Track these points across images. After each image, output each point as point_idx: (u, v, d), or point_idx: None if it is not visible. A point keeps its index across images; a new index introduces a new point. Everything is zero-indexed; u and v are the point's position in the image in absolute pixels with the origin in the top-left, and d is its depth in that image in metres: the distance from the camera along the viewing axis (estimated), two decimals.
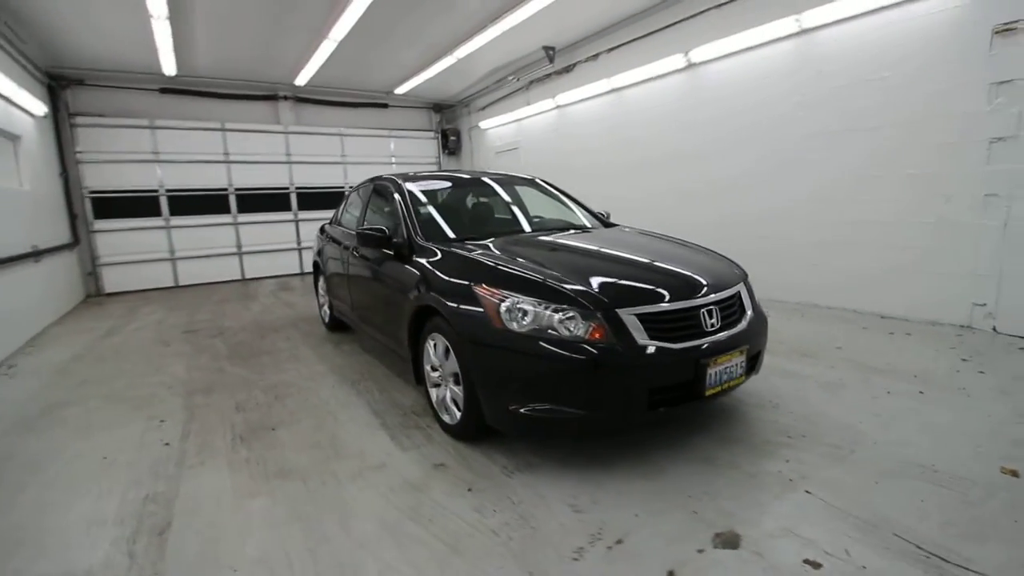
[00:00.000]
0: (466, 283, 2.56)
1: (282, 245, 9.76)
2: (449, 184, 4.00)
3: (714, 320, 2.42)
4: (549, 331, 2.26)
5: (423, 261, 3.01)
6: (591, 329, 2.23)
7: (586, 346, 2.20)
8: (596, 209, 4.16)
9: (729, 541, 1.87)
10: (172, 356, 4.66)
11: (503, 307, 2.34)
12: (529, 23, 6.31)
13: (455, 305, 2.53)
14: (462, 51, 7.22)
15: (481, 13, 6.26)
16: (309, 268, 9.82)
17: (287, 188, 9.70)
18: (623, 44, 6.73)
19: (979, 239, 3.99)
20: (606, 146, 7.40)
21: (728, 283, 2.64)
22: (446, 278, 2.72)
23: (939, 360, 3.55)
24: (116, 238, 8.30)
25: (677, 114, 6.27)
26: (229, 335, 5.35)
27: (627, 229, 3.73)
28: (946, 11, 3.97)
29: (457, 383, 2.64)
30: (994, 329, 3.99)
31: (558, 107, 8.19)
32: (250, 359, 4.46)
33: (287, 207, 9.75)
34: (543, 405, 2.26)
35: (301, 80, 8.54)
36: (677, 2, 5.89)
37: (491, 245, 3.06)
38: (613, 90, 7.08)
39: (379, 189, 4.19)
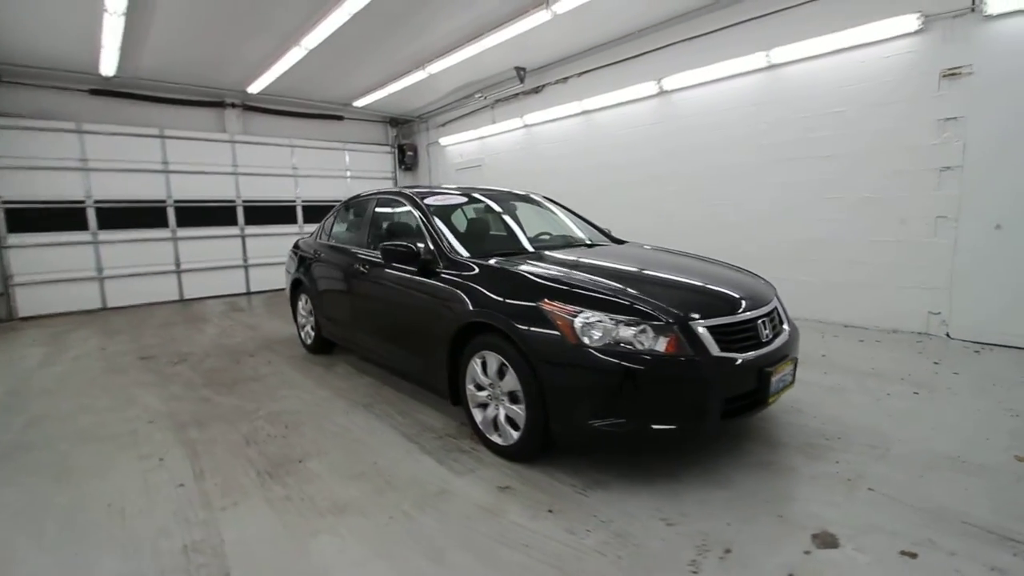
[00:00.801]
0: (529, 299, 2.53)
1: (227, 262, 9.06)
2: (464, 199, 3.93)
3: (767, 331, 2.55)
4: (622, 345, 2.28)
5: (459, 277, 2.93)
6: (666, 342, 2.27)
7: (668, 359, 2.24)
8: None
9: (828, 541, 1.96)
10: (136, 387, 4.16)
11: (577, 323, 2.32)
12: (501, 46, 6.41)
13: (520, 322, 2.48)
14: (435, 67, 7.17)
15: (457, 34, 6.30)
16: (258, 287, 9.28)
17: (233, 201, 9.05)
18: (594, 69, 7.01)
19: (932, 256, 4.51)
20: (576, 166, 7.61)
21: (770, 296, 2.80)
22: (499, 294, 2.66)
23: (915, 364, 3.95)
24: (33, 254, 7.31)
25: (649, 138, 6.59)
26: (195, 361, 4.86)
27: (646, 246, 3.83)
28: (899, 55, 4.52)
29: (515, 402, 2.58)
30: (947, 335, 4.51)
31: (526, 127, 8.33)
32: (235, 387, 4.08)
33: (232, 221, 9.08)
34: (623, 420, 2.26)
35: (255, 88, 8.07)
36: (648, 33, 6.23)
37: (532, 260, 3.04)
38: (584, 112, 7.33)
39: (386, 203, 4.04)
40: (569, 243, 3.72)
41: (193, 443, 3.06)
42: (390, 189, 4.09)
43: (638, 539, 2.03)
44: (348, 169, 10.31)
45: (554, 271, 2.75)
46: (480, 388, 2.81)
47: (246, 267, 9.26)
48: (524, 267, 2.84)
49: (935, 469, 2.45)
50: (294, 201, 9.64)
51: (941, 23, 4.26)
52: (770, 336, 2.55)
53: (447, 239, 3.27)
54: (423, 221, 3.43)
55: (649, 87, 6.37)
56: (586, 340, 2.30)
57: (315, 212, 9.81)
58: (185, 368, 4.65)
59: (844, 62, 4.84)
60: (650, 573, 1.84)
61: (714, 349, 2.31)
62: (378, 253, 3.75)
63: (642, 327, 2.28)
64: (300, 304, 5.05)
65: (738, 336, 2.42)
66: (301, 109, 9.55)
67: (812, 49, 4.96)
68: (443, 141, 10.12)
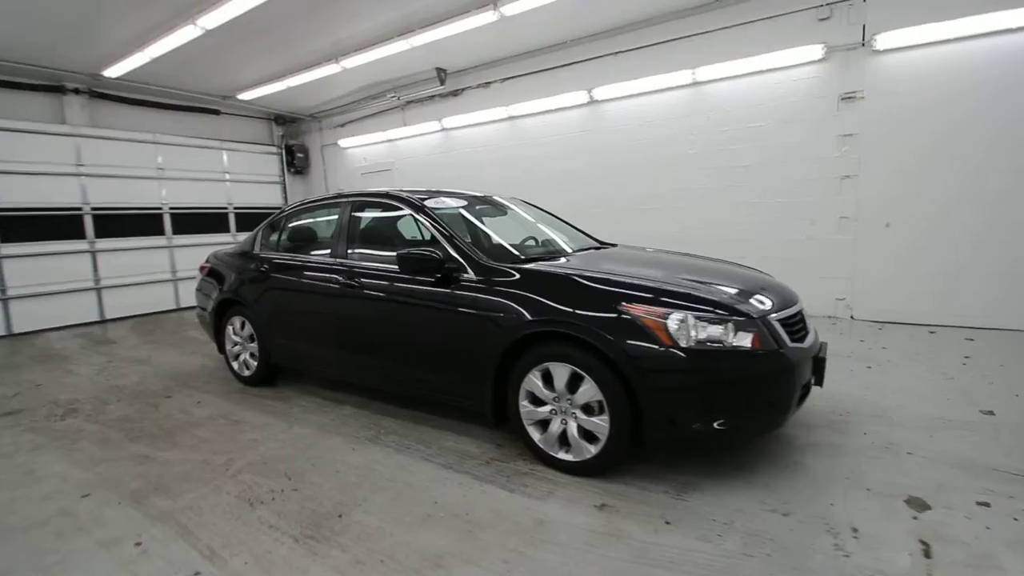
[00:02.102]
0: (605, 303, 2.40)
1: (72, 285, 7.27)
2: (464, 203, 3.62)
3: (807, 323, 2.76)
4: (711, 343, 2.28)
5: (500, 285, 2.69)
6: (751, 337, 2.32)
7: (761, 353, 2.29)
8: None
9: (921, 504, 2.16)
10: (25, 453, 3.11)
11: (671, 324, 2.27)
12: (426, 46, 6.14)
13: (603, 328, 2.34)
14: (351, 61, 6.59)
15: (383, 28, 5.87)
16: (118, 313, 7.60)
17: (79, 208, 7.31)
18: (521, 76, 7.03)
19: (836, 250, 5.32)
20: (499, 173, 7.55)
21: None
22: (564, 301, 2.49)
23: (846, 342, 4.61)
24: None
25: (578, 145, 6.80)
26: (91, 411, 3.79)
27: (650, 249, 3.85)
28: (807, 79, 5.27)
29: (590, 413, 2.44)
30: (852, 317, 5.36)
31: (444, 130, 8.05)
32: (175, 437, 3.26)
33: (79, 233, 7.34)
34: (723, 417, 2.26)
35: (115, 71, 6.62)
36: (579, 43, 6.44)
37: (565, 264, 2.91)
38: (510, 118, 7.31)
39: (367, 208, 3.57)
40: (570, 246, 3.63)
41: (170, 515, 2.37)
42: (371, 192, 3.61)
43: (770, 534, 2.03)
44: (227, 172, 8.98)
45: (608, 273, 2.65)
46: (539, 403, 2.60)
47: (99, 289, 7.53)
48: (573, 270, 2.70)
49: (937, 429, 2.86)
50: (159, 208, 8.10)
51: (840, 54, 5.07)
52: (808, 328, 2.76)
53: (470, 246, 2.99)
54: (436, 227, 3.09)
55: (579, 96, 6.57)
56: (680, 341, 2.25)
57: (191, 222, 8.37)
58: (82, 421, 3.60)
59: (761, 82, 5.50)
60: (806, 564, 1.85)
61: (788, 340, 2.42)
62: (368, 264, 3.31)
63: (729, 323, 2.30)
64: (232, 329, 4.23)
65: (795, 327, 2.57)
66: (169, 100, 8.09)
67: (733, 70, 5.56)
68: (343, 143, 9.34)
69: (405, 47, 6.12)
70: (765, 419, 2.34)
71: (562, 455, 2.57)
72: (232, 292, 4.15)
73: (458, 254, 2.92)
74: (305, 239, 3.99)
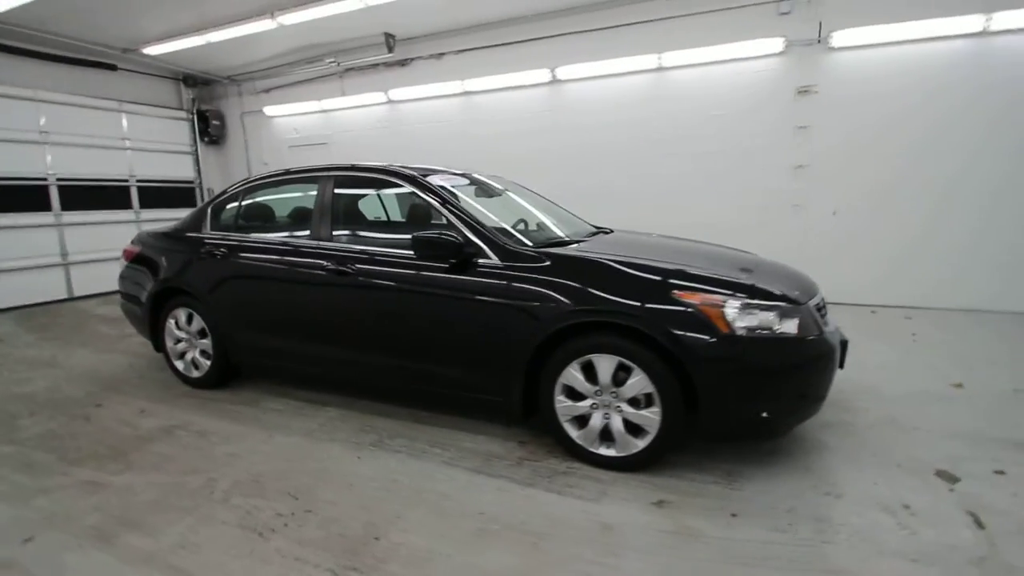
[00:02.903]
0: (655, 290, 2.28)
1: None
2: (466, 181, 3.30)
3: None
4: (761, 330, 2.25)
5: (531, 272, 2.48)
6: (796, 323, 2.31)
7: (810, 339, 2.28)
8: None
9: (950, 476, 2.29)
10: None
11: (729, 311, 2.19)
12: (372, 9, 5.60)
13: (657, 316, 2.22)
14: (289, 17, 5.85)
15: None
16: None
17: None
18: (478, 48, 6.67)
19: (789, 237, 5.64)
20: (453, 151, 7.13)
21: None
22: (608, 288, 2.33)
23: None
24: None
25: (538, 125, 6.60)
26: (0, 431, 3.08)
27: (653, 234, 3.77)
28: (767, 71, 5.47)
29: (636, 405, 2.33)
30: None
31: (391, 102, 7.47)
32: (125, 456, 2.71)
33: None
34: (778, 404, 2.25)
35: None
36: (542, 19, 6.20)
37: (587, 249, 2.75)
38: (466, 93, 6.93)
39: (354, 184, 3.17)
40: (571, 230, 3.44)
41: (157, 558, 1.93)
42: (361, 166, 3.16)
43: (835, 518, 2.05)
44: (127, 138, 7.71)
45: (647, 260, 2.52)
46: (577, 397, 2.44)
47: None
48: (608, 256, 2.54)
49: (927, 403, 3.08)
50: (44, 179, 6.79)
51: (798, 48, 5.30)
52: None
53: (492, 228, 2.73)
54: (449, 208, 2.78)
55: (541, 75, 6.37)
56: (737, 328, 2.19)
57: (85, 196, 7.12)
58: None
59: (724, 72, 5.63)
60: (885, 546, 1.87)
61: (823, 326, 2.46)
62: (365, 248, 2.94)
63: (779, 310, 2.28)
64: (174, 324, 3.60)
65: (822, 312, 2.62)
66: (54, 50, 6.73)
67: (699, 57, 5.63)
68: (269, 111, 8.38)
69: (358, 4, 5.52)
70: (809, 405, 2.36)
71: (603, 451, 2.44)
72: (175, 281, 3.52)
73: (478, 238, 2.65)
74: (273, 219, 3.48)
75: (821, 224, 5.51)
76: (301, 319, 3.11)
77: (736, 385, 2.21)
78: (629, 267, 2.42)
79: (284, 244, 3.21)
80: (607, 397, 2.38)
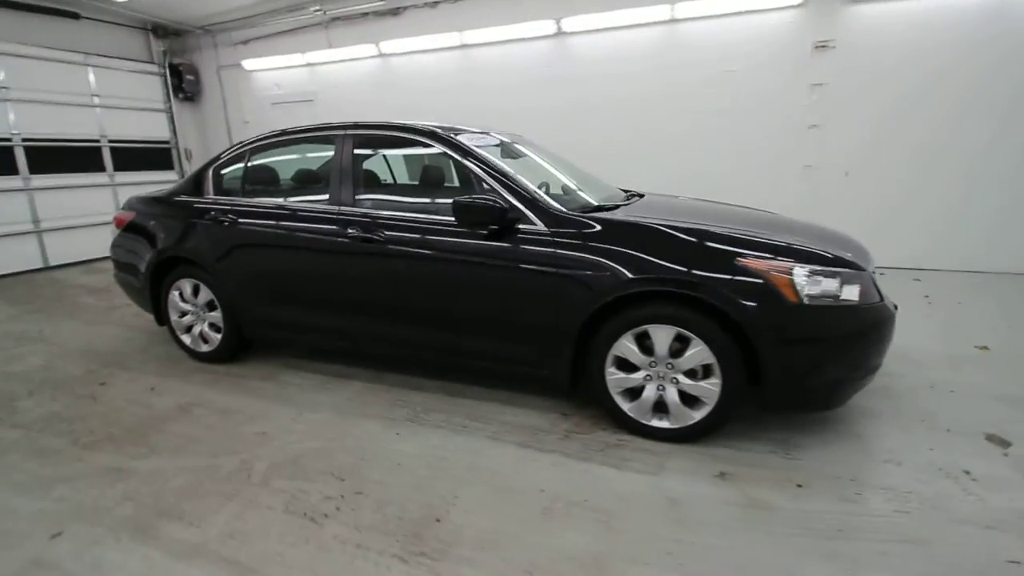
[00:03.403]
0: (717, 257, 2.17)
1: None
2: (496, 141, 3.09)
3: None
4: (825, 297, 2.17)
5: (579, 239, 2.34)
6: (858, 290, 2.24)
7: (872, 306, 2.22)
8: None
9: (1001, 440, 2.30)
10: None
11: (798, 279, 2.10)
12: None
13: (723, 284, 2.11)
14: None
15: None
16: None
17: None
18: None
19: (799, 198, 5.57)
20: (450, 108, 6.81)
21: None
22: (668, 256, 2.20)
23: None
24: None
25: (542, 80, 6.30)
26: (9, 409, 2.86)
27: (681, 197, 3.64)
28: (783, 24, 5.26)
29: (693, 376, 2.25)
30: None
31: (382, 55, 7.03)
32: (145, 438, 2.55)
33: None
34: (843, 372, 2.19)
35: None
36: None
37: (636, 213, 2.60)
38: (464, 46, 6.54)
39: (377, 144, 2.94)
40: (604, 195, 3.28)
41: (207, 550, 1.81)
42: (382, 124, 2.91)
43: (903, 486, 2.03)
44: (96, 95, 7.12)
45: (702, 225, 2.40)
46: (630, 369, 2.35)
47: None
48: (661, 222, 2.40)
49: (956, 366, 3.10)
50: (9, 139, 6.23)
51: (816, 2, 5.09)
52: None
53: (539, 191, 2.56)
54: (486, 170, 2.59)
55: (546, 26, 6.02)
56: (804, 296, 2.11)
57: (53, 158, 6.60)
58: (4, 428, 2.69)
59: (737, 24, 5.40)
60: (957, 514, 1.87)
61: (882, 292, 2.39)
62: (396, 214, 2.74)
63: (842, 276, 2.19)
64: (178, 295, 3.38)
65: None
66: None
67: (714, 8, 5.38)
68: (248, 65, 7.83)
69: None
70: (867, 372, 2.31)
71: (655, 422, 2.37)
72: (177, 250, 3.27)
73: (521, 202, 2.48)
74: (285, 182, 3.23)
75: (831, 185, 5.45)
76: (325, 290, 2.92)
77: (801, 355, 2.15)
78: (687, 233, 2.29)
79: (301, 210, 2.98)
80: (662, 368, 2.30)
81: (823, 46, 5.17)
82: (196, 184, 3.42)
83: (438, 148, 2.74)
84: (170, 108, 8.08)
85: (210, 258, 3.17)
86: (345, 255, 2.79)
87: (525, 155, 3.36)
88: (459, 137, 2.76)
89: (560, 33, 6.07)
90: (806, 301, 2.11)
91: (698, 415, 2.29)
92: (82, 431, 2.63)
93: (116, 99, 7.33)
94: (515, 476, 2.18)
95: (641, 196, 3.36)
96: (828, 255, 2.22)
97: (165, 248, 3.32)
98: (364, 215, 2.77)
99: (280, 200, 3.12)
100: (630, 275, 2.22)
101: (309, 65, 7.55)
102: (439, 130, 2.77)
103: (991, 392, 2.76)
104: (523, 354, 2.54)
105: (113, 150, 7.28)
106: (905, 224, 5.25)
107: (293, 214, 2.99)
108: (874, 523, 1.84)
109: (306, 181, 3.18)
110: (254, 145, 3.27)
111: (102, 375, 3.33)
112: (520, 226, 2.45)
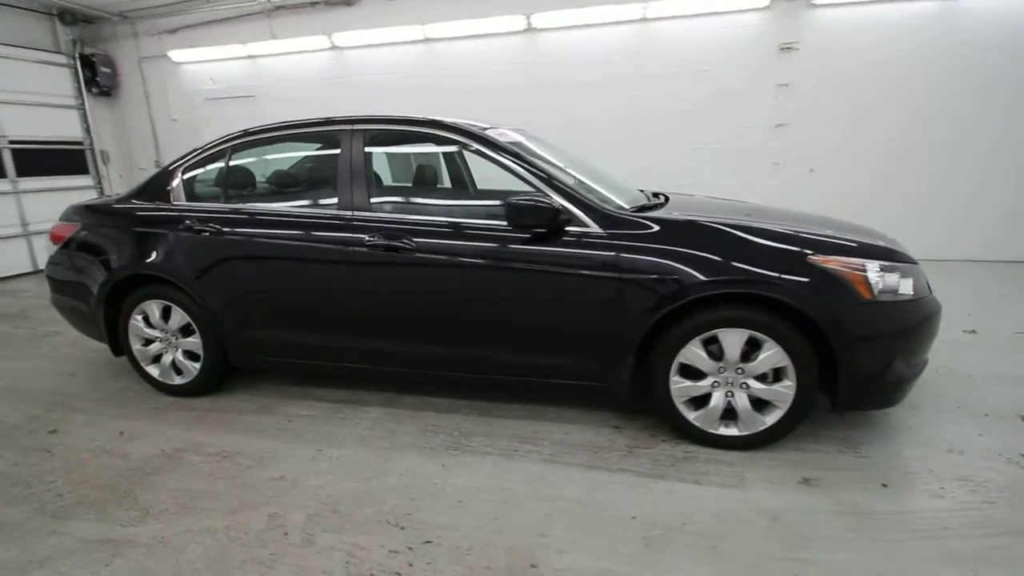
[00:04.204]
0: (786, 256, 2.10)
1: None
2: (521, 137, 2.84)
3: None
4: (889, 292, 2.15)
5: (637, 240, 2.19)
6: (912, 283, 2.25)
7: (927, 299, 2.23)
8: None
9: None
10: None
11: (871, 276, 2.06)
12: None
13: (802, 285, 2.03)
14: None
15: None
16: None
17: None
18: None
19: (767, 194, 5.77)
20: (413, 107, 6.44)
21: None
22: (738, 255, 2.10)
23: None
24: None
25: (512, 77, 6.11)
26: None
27: (697, 195, 3.56)
28: (751, 26, 5.41)
29: (765, 380, 2.17)
30: None
31: (335, 48, 6.53)
32: (132, 496, 2.11)
33: None
34: (902, 370, 2.17)
35: None
36: None
37: (682, 211, 2.48)
38: (427, 40, 6.21)
39: (390, 141, 2.65)
40: (634, 195, 3.10)
41: None
42: (402, 118, 2.59)
43: (978, 476, 2.04)
44: None
45: (762, 223, 2.31)
46: (696, 376, 2.23)
47: None
48: (720, 221, 2.29)
49: (955, 352, 3.24)
50: None
51: (782, 4, 5.28)
52: None
53: (580, 189, 2.37)
54: (527, 168, 2.37)
55: (515, 22, 5.84)
56: (876, 292, 2.08)
57: None
58: None
59: (709, 25, 5.49)
60: None
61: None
62: (426, 218, 2.47)
63: (901, 270, 2.19)
64: (142, 320, 2.87)
65: None
66: None
67: (682, 8, 5.44)
68: (177, 56, 7.01)
69: None
70: (922, 366, 2.33)
71: (722, 430, 2.27)
72: (142, 267, 2.77)
73: (571, 203, 2.29)
74: (277, 184, 2.82)
75: (798, 182, 5.69)
76: (337, 307, 2.57)
77: (875, 352, 2.11)
78: (749, 232, 2.20)
79: (303, 216, 2.61)
80: (731, 374, 2.20)
81: (788, 47, 5.38)
82: (158, 188, 2.92)
83: (473, 145, 2.48)
84: (82, 104, 7.07)
85: (186, 275, 2.70)
86: (363, 266, 2.46)
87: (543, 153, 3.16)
88: (489, 132, 2.52)
89: (530, 29, 5.92)
90: (877, 296, 2.08)
91: (770, 420, 2.21)
92: (46, 495, 2.13)
93: (17, 93, 6.30)
94: (596, 503, 1.98)
95: (667, 197, 3.17)
96: (896, 251, 2.22)
97: (124, 265, 2.81)
98: (386, 220, 2.46)
99: (272, 205, 2.73)
100: (703, 277, 2.09)
101: (250, 57, 6.89)
102: (467, 125, 2.52)
103: (1002, 373, 2.91)
104: (577, 366, 2.35)
105: (15, 152, 6.25)
106: (869, 218, 5.55)
107: (293, 221, 2.61)
108: (972, 517, 1.83)
109: (304, 183, 2.81)
110: (237, 142, 2.83)
111: (49, 421, 2.76)
112: (570, 228, 2.26)
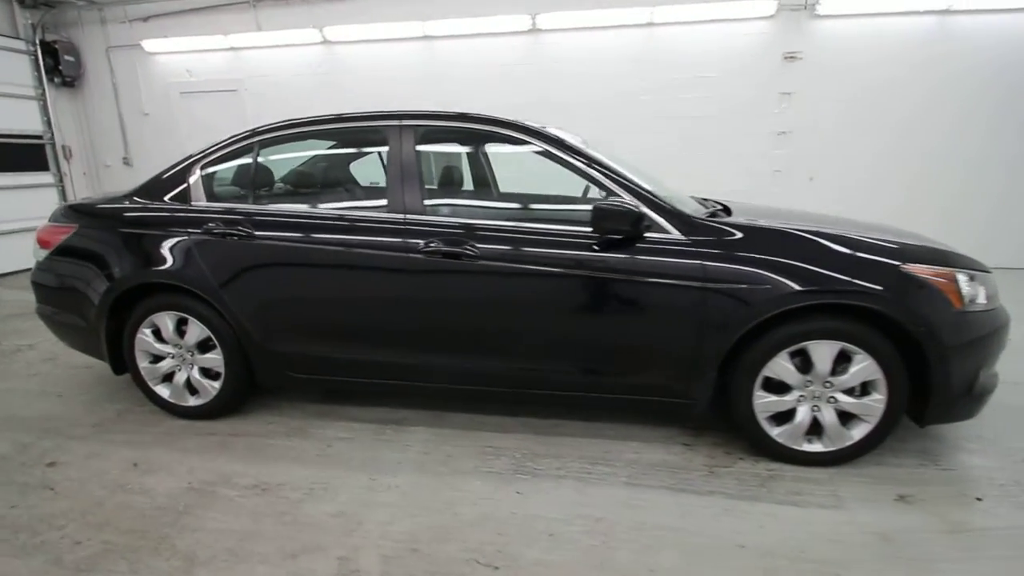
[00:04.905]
0: (885, 264, 2.02)
1: None
2: (577, 137, 2.68)
3: None
4: (974, 303, 2.11)
5: (719, 248, 2.08)
6: (985, 292, 2.22)
7: (996, 308, 2.20)
8: None
9: None
10: None
11: (963, 286, 2.02)
12: None
13: (900, 294, 1.97)
14: None
15: None
16: None
17: None
18: None
19: (769, 202, 5.82)
20: (408, 102, 6.21)
21: None
22: (827, 264, 2.02)
23: None
24: None
25: (517, 80, 5.95)
26: None
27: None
28: (756, 35, 5.46)
29: (853, 394, 2.09)
30: None
31: (327, 43, 6.21)
32: (168, 542, 1.83)
33: None
34: (983, 381, 2.14)
35: None
36: None
37: (754, 217, 2.39)
38: (427, 37, 5.98)
39: (448, 138, 2.44)
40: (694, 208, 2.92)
41: None
42: (456, 113, 2.40)
43: None
44: None
45: (843, 230, 2.24)
46: (782, 390, 2.13)
47: None
48: (803, 228, 2.21)
49: None
50: None
51: (786, 13, 5.34)
52: None
53: (657, 192, 2.24)
54: (602, 169, 2.22)
55: (520, 22, 5.69)
56: (967, 301, 2.04)
57: None
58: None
59: (714, 32, 5.51)
60: None
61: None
62: (492, 222, 2.28)
63: (979, 279, 2.16)
64: (151, 334, 2.55)
65: None
66: None
67: (689, 15, 5.43)
68: (151, 46, 6.51)
69: None
70: (997, 377, 2.31)
71: (806, 447, 2.18)
72: (156, 274, 2.47)
73: (650, 207, 2.16)
74: (314, 183, 2.58)
75: (798, 190, 5.77)
76: (387, 319, 2.34)
77: (964, 363, 2.06)
78: (835, 241, 2.12)
79: (348, 219, 2.37)
80: (818, 388, 2.11)
81: (792, 57, 5.46)
82: (172, 186, 2.61)
83: (536, 145, 2.32)
84: (43, 95, 6.47)
85: (209, 283, 2.41)
86: (420, 274, 2.25)
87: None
88: (553, 130, 2.37)
89: (535, 29, 5.79)
90: (967, 306, 2.04)
91: (857, 435, 2.13)
92: (60, 543, 1.82)
93: None
94: (694, 531, 1.84)
95: (724, 205, 3.02)
96: (972, 258, 2.19)
97: (133, 273, 2.49)
98: (446, 225, 2.26)
99: (310, 207, 2.48)
100: (797, 287, 2.00)
101: (233, 49, 6.48)
102: (534, 125, 2.35)
103: None
104: (656, 381, 2.21)
105: None
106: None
107: (337, 224, 2.36)
108: None
109: (344, 182, 2.58)
110: (265, 136, 2.55)
111: (44, 451, 2.41)
112: (649, 235, 2.13)
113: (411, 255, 2.24)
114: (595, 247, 2.14)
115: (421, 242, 2.24)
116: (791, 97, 5.56)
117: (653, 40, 5.67)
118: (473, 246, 2.20)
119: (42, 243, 2.71)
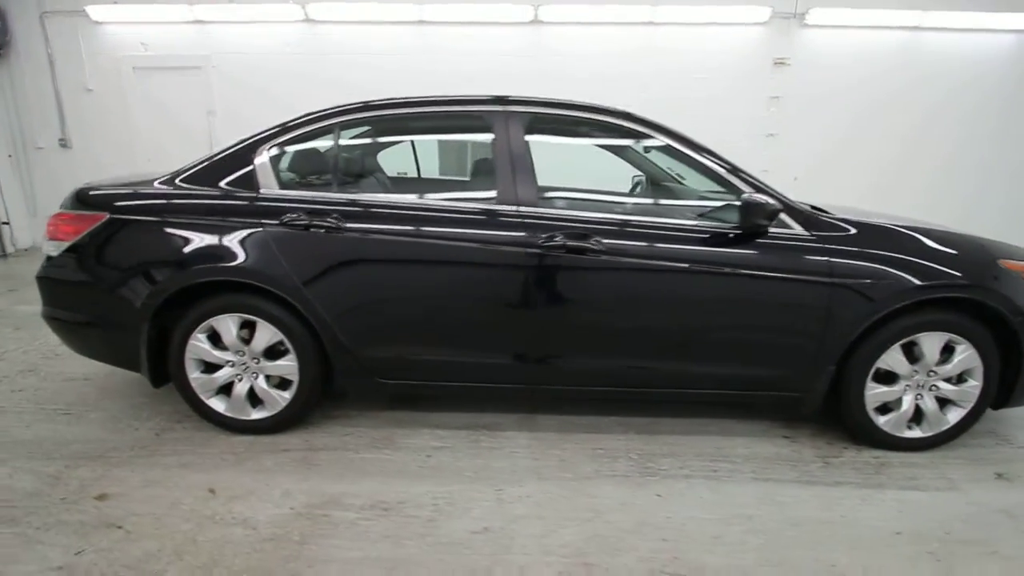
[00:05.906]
0: (986, 261, 2.16)
1: None
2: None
3: None
4: None
5: (840, 244, 2.14)
6: None
7: None
8: None
9: None
10: None
11: None
12: None
13: (1003, 289, 2.09)
14: None
15: None
16: None
17: None
18: None
19: None
20: (400, 86, 5.90)
21: None
22: (936, 259, 2.12)
23: None
24: None
25: (515, 72, 5.80)
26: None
27: None
28: (750, 40, 5.69)
29: (951, 381, 2.21)
30: None
31: (309, 21, 5.72)
32: (314, 562, 1.59)
33: None
34: None
35: None
36: None
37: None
38: (421, 22, 5.69)
39: (555, 128, 2.33)
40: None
41: None
42: (568, 102, 2.26)
43: None
44: None
45: (925, 225, 2.37)
46: (890, 380, 2.22)
47: None
48: (902, 225, 2.31)
49: None
50: None
51: (778, 21, 5.61)
52: None
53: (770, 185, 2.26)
54: (720, 163, 2.22)
55: (522, 11, 5.56)
56: None
57: None
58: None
59: (711, 35, 5.68)
60: None
61: None
62: (614, 216, 2.20)
63: None
64: (206, 339, 2.22)
65: None
66: None
67: (688, 16, 5.56)
68: (97, 13, 5.69)
69: None
70: None
71: (908, 433, 2.29)
72: (222, 270, 2.15)
73: (778, 201, 2.17)
74: (409, 171, 2.32)
75: (783, 190, 6.08)
76: (497, 319, 2.19)
77: None
78: (934, 238, 2.22)
79: (456, 210, 2.19)
80: (922, 377, 2.22)
81: (781, 63, 5.75)
82: (227, 169, 2.28)
83: (659, 139, 2.28)
84: None
85: (291, 281, 2.13)
86: (537, 270, 2.12)
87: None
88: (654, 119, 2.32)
89: (537, 21, 5.68)
90: None
91: (952, 419, 2.26)
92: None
93: None
94: (848, 522, 1.87)
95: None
96: None
97: (194, 270, 2.15)
98: (567, 219, 2.14)
99: (408, 198, 2.26)
100: (919, 282, 2.08)
101: (198, 22, 5.82)
102: (654, 119, 2.30)
103: None
104: (776, 376, 2.23)
105: None
106: None
107: (441, 216, 2.17)
108: None
109: (444, 171, 2.37)
110: (348, 117, 2.28)
111: (83, 482, 2.02)
112: (773, 231, 2.14)
113: (529, 249, 2.10)
114: (726, 243, 2.13)
115: (540, 236, 2.11)
116: (779, 101, 5.87)
117: (657, 40, 5.75)
118: (599, 241, 2.10)
119: (56, 235, 2.28)
